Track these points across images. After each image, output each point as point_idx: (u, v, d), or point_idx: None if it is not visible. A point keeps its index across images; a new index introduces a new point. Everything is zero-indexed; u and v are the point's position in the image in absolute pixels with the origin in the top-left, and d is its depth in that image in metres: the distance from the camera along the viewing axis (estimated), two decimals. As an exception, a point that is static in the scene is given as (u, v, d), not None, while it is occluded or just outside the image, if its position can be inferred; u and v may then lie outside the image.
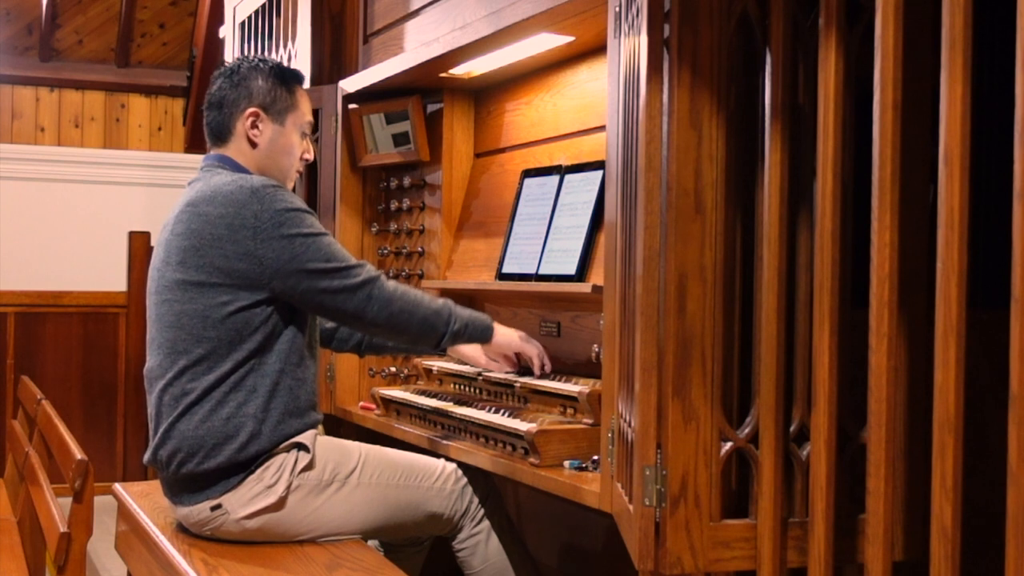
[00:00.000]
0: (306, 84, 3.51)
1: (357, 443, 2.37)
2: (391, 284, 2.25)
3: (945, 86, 1.24)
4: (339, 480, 2.25)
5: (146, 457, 2.27)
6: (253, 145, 2.30)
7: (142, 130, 6.18)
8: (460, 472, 2.40)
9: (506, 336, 2.46)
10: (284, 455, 2.19)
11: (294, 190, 3.34)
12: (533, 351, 2.48)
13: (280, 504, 2.18)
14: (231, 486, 2.16)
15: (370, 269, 2.24)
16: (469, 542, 2.38)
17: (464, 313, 2.35)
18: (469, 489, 2.39)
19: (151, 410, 2.26)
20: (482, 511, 2.40)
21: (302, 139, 2.37)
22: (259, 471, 2.17)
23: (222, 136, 2.32)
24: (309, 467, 2.22)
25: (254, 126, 2.29)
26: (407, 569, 2.28)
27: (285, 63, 3.63)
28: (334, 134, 3.22)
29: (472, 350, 2.57)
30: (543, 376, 2.49)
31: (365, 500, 2.27)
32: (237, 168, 2.28)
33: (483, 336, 2.41)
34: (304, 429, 2.22)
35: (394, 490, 2.30)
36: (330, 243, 2.21)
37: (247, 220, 2.12)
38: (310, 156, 2.41)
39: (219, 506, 2.17)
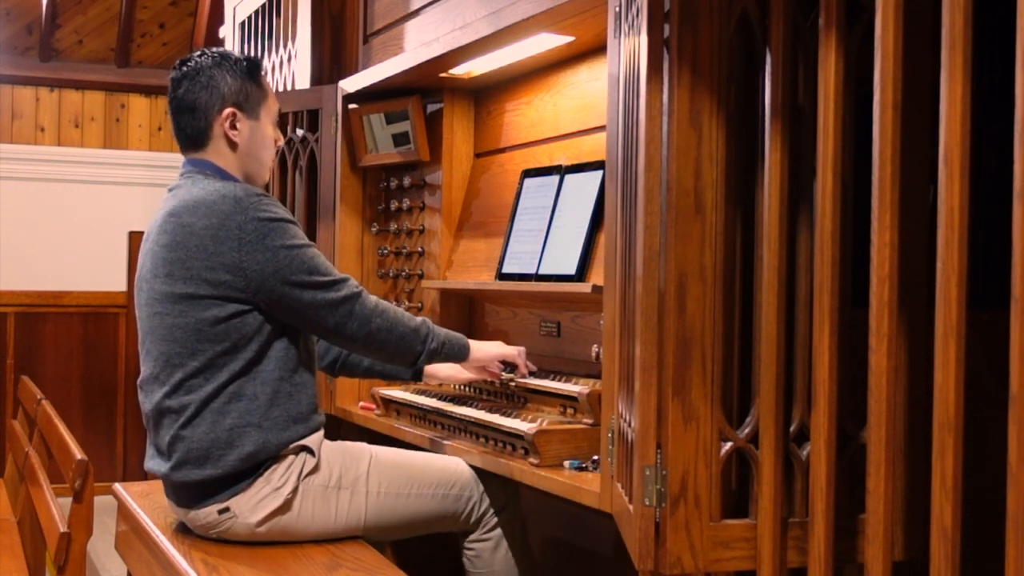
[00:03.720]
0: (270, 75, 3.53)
1: (368, 447, 2.36)
2: (372, 300, 2.24)
3: (945, 86, 1.24)
4: (346, 487, 2.24)
5: (147, 466, 2.26)
6: (234, 146, 2.27)
7: (142, 130, 6.18)
8: (476, 478, 2.38)
9: (484, 351, 2.46)
10: (292, 457, 2.19)
11: (294, 189, 3.36)
12: (514, 354, 2.49)
13: (287, 507, 2.18)
14: (239, 490, 2.15)
15: (352, 284, 2.23)
16: (477, 546, 2.37)
17: (441, 332, 2.36)
18: (485, 497, 2.37)
19: (148, 420, 2.25)
20: (495, 520, 2.38)
21: (275, 128, 2.36)
22: (267, 473, 2.17)
23: (200, 141, 2.28)
24: (315, 471, 2.21)
25: (233, 126, 2.26)
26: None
27: (287, 63, 3.65)
28: (334, 134, 3.22)
29: (450, 370, 2.58)
30: (531, 375, 2.49)
31: (373, 508, 2.26)
32: (219, 172, 2.26)
33: (460, 355, 2.41)
34: (309, 433, 2.21)
35: (403, 500, 2.29)
36: (314, 256, 2.19)
37: (231, 231, 2.11)
38: (281, 142, 2.41)
39: (227, 509, 2.16)
